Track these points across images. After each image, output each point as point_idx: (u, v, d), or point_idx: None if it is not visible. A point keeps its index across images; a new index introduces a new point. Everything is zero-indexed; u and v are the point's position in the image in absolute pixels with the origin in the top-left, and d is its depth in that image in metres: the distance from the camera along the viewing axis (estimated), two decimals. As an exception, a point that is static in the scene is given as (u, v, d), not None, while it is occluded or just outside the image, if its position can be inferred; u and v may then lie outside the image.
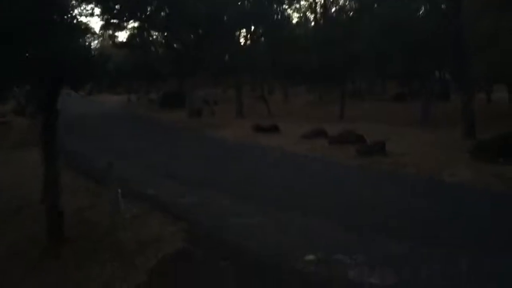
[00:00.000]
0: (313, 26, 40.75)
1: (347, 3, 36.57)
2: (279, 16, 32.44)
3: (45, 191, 7.16)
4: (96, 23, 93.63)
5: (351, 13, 32.09)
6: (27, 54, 5.91)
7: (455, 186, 9.64)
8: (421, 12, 23.90)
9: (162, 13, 32.60)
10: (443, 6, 20.77)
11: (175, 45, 34.98)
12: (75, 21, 6.94)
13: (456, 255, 5.57)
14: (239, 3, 29.63)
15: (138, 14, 32.64)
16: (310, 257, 5.80)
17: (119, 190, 7.42)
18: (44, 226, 7.36)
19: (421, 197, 8.84)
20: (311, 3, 41.01)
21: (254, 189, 9.81)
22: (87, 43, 7.46)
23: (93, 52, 7.67)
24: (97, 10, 30.91)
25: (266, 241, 6.55)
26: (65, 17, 6.60)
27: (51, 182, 7.11)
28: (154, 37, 39.19)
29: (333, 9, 38.26)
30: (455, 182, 9.85)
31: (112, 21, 33.45)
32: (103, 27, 34.98)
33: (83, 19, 27.78)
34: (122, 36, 69.99)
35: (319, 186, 10.03)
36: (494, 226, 6.91)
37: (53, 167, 7.10)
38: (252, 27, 32.70)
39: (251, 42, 33.68)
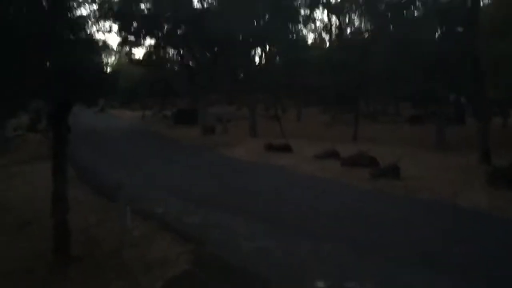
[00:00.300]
0: (328, 47, 40.89)
1: (362, 25, 36.68)
2: (294, 36, 32.59)
3: (53, 207, 7.10)
4: (113, 40, 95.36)
5: (366, 35, 32.10)
6: (37, 70, 5.93)
7: (470, 212, 9.41)
8: (436, 35, 23.81)
9: (178, 31, 32.99)
10: (458, 29, 20.66)
11: (190, 62, 35.30)
12: (88, 38, 6.98)
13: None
14: (254, 23, 29.82)
15: (155, 31, 33.10)
16: (320, 284, 5.66)
17: (128, 208, 7.34)
18: (51, 242, 7.30)
19: (435, 224, 8.62)
20: (326, 24, 41.22)
21: (264, 210, 9.69)
22: (99, 60, 7.46)
23: (104, 69, 7.70)
24: (115, 27, 31.47)
25: (274, 264, 6.42)
26: (79, 33, 6.65)
27: (59, 198, 7.06)
28: (170, 54, 39.62)
29: (348, 31, 38.35)
30: (470, 208, 9.62)
31: (129, 38, 33.96)
32: (120, 44, 35.50)
33: (101, 35, 28.34)
34: (139, 53, 70.94)
35: (328, 209, 9.85)
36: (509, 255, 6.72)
37: (61, 183, 7.05)
38: (267, 47, 32.88)
39: (265, 61, 33.84)
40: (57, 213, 7.11)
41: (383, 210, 9.67)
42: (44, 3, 6.73)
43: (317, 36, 46.86)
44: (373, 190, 11.76)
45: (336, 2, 37.32)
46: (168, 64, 41.36)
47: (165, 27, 32.70)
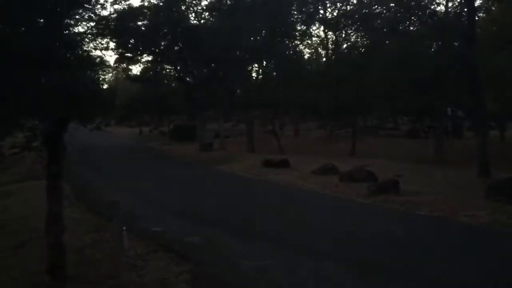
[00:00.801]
0: (325, 62, 41.03)
1: (358, 40, 36.89)
2: (291, 52, 32.74)
3: (47, 226, 6.95)
4: (110, 57, 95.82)
5: (362, 50, 32.25)
6: (32, 88, 5.84)
7: (471, 227, 9.31)
8: (433, 49, 23.89)
9: (175, 48, 33.13)
10: (455, 43, 20.73)
11: (187, 78, 35.40)
12: (84, 55, 6.92)
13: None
14: (251, 38, 29.95)
15: (152, 48, 33.23)
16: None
17: (124, 228, 7.21)
18: (46, 262, 7.15)
19: (437, 241, 8.51)
20: (322, 39, 41.40)
21: (262, 227, 9.56)
22: (95, 77, 7.40)
23: (101, 86, 7.63)
24: (112, 44, 31.58)
25: (274, 283, 6.29)
26: (75, 51, 6.60)
27: (54, 217, 6.92)
28: (167, 70, 39.74)
29: (345, 46, 38.51)
30: (471, 223, 9.51)
31: (126, 54, 34.06)
32: (117, 61, 35.61)
33: (98, 52, 28.32)
34: (135, 69, 71.18)
35: (326, 226, 9.74)
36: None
37: (56, 202, 6.92)
38: (264, 62, 33.01)
39: (262, 77, 33.95)
40: (52, 233, 6.96)
41: (382, 227, 9.55)
42: (39, 21, 6.69)
43: (313, 51, 47.06)
44: (371, 205, 11.66)
45: (332, 17, 37.57)
46: (165, 81, 41.48)
47: (162, 43, 32.84)
